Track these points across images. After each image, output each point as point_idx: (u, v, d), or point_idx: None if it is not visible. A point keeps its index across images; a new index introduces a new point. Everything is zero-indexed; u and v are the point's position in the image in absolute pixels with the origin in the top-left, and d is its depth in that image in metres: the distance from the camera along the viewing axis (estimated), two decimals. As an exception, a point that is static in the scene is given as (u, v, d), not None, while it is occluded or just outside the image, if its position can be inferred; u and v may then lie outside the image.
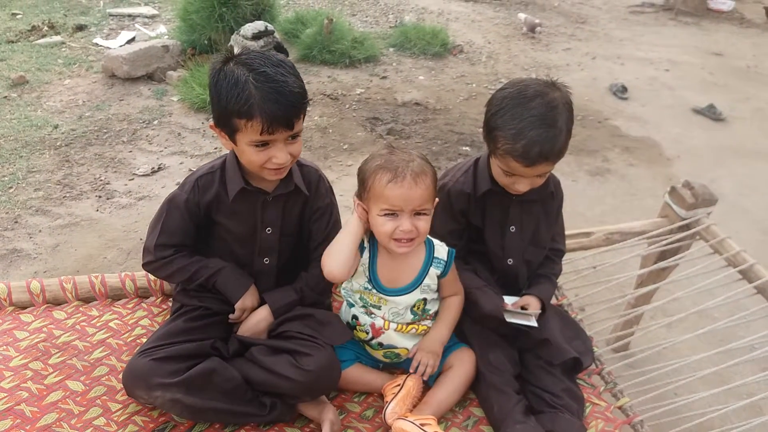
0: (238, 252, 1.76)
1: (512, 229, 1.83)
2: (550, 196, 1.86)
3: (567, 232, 2.35)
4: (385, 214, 1.59)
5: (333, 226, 1.80)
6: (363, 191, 1.62)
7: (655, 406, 1.83)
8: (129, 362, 1.57)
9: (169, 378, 1.50)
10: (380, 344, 1.75)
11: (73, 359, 1.70)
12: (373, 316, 1.72)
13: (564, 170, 4.22)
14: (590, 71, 5.80)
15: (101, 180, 3.72)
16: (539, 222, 1.86)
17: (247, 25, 4.96)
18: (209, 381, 1.54)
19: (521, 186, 1.69)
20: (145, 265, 1.76)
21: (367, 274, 1.71)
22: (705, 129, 5.00)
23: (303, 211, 1.76)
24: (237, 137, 1.55)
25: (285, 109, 1.48)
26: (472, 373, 1.77)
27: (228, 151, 1.69)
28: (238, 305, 1.72)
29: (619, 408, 1.81)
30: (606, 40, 6.67)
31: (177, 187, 1.73)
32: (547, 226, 1.89)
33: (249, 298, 1.73)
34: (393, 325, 1.72)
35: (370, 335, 1.74)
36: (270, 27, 5.04)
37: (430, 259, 1.73)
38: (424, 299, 1.73)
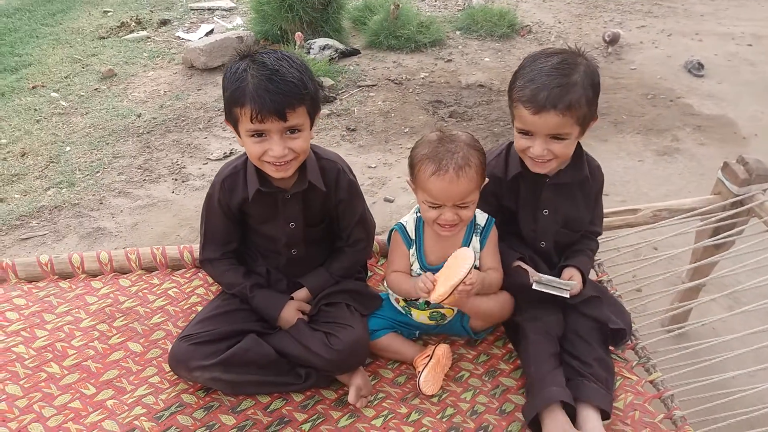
0: (268, 244, 1.85)
1: (545, 212, 1.84)
2: (585, 180, 1.84)
3: (614, 209, 2.36)
4: (429, 205, 1.68)
5: (361, 217, 1.86)
6: (412, 174, 1.72)
7: (693, 380, 1.82)
8: (171, 347, 1.70)
9: (206, 360, 1.63)
10: (427, 303, 1.81)
11: (134, 323, 1.89)
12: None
13: (630, 150, 4.14)
14: (665, 48, 5.58)
15: (178, 164, 3.98)
16: (574, 206, 1.86)
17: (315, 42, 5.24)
18: (245, 359, 1.66)
19: (535, 149, 1.66)
20: (201, 263, 1.94)
21: (419, 263, 1.81)
22: (788, 105, 4.73)
23: (325, 203, 1.80)
24: (239, 129, 1.59)
25: (274, 96, 1.48)
26: (510, 305, 1.84)
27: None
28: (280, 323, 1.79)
29: (651, 382, 1.81)
30: (685, 16, 6.38)
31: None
32: (583, 210, 1.88)
33: (287, 315, 1.79)
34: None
35: None
36: (337, 44, 5.29)
37: (471, 227, 1.80)
38: (474, 266, 1.79)
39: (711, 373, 1.85)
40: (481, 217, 1.81)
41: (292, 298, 1.84)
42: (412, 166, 1.70)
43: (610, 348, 1.85)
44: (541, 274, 1.78)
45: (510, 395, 1.77)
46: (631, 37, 5.82)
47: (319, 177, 1.74)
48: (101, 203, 3.60)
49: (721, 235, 2.28)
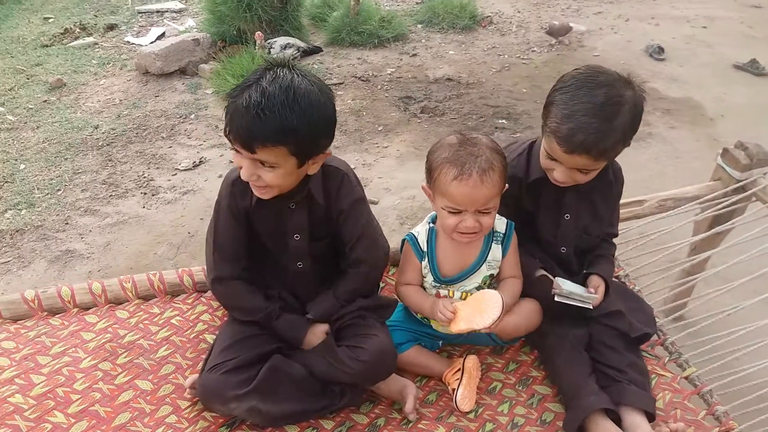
0: (273, 256, 1.73)
1: (567, 217, 1.77)
2: (608, 185, 1.78)
3: (620, 201, 2.32)
4: (449, 211, 1.59)
5: (364, 233, 1.71)
6: (429, 179, 1.63)
7: (722, 375, 1.80)
8: (201, 378, 1.58)
9: (241, 388, 1.52)
10: None
11: (139, 358, 1.74)
12: (438, 288, 1.75)
13: (605, 137, 4.14)
14: (624, 34, 5.65)
15: (145, 177, 3.78)
16: (595, 209, 1.80)
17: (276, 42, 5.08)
18: (278, 380, 1.56)
19: (558, 174, 1.62)
20: (211, 284, 1.74)
21: (433, 275, 1.74)
22: (748, 85, 4.85)
23: (327, 213, 1.69)
24: None
25: (246, 130, 1.39)
26: (537, 314, 1.77)
27: None
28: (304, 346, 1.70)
29: (686, 378, 1.78)
30: (638, 1, 6.48)
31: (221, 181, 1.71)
32: (604, 213, 1.83)
33: (312, 337, 1.70)
34: (457, 294, 1.73)
35: None
36: (299, 43, 5.17)
37: (490, 234, 1.72)
38: (491, 275, 1.73)
39: (735, 365, 1.83)
40: (500, 223, 1.74)
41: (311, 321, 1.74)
42: (431, 171, 1.61)
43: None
44: (562, 283, 1.69)
45: (548, 404, 1.71)
46: (590, 24, 5.87)
47: (320, 185, 1.63)
48: (67, 223, 3.37)
49: (729, 222, 2.27)
